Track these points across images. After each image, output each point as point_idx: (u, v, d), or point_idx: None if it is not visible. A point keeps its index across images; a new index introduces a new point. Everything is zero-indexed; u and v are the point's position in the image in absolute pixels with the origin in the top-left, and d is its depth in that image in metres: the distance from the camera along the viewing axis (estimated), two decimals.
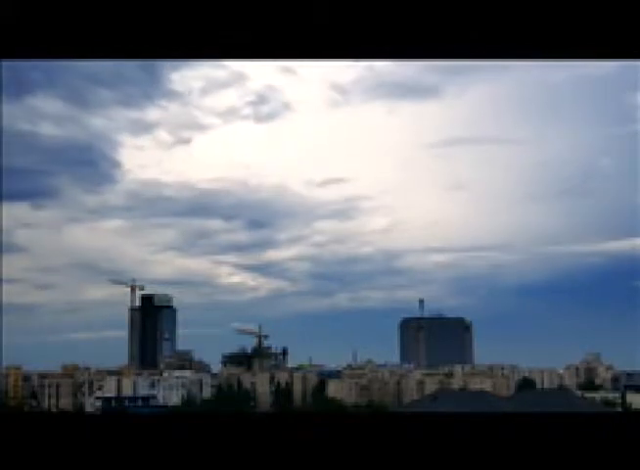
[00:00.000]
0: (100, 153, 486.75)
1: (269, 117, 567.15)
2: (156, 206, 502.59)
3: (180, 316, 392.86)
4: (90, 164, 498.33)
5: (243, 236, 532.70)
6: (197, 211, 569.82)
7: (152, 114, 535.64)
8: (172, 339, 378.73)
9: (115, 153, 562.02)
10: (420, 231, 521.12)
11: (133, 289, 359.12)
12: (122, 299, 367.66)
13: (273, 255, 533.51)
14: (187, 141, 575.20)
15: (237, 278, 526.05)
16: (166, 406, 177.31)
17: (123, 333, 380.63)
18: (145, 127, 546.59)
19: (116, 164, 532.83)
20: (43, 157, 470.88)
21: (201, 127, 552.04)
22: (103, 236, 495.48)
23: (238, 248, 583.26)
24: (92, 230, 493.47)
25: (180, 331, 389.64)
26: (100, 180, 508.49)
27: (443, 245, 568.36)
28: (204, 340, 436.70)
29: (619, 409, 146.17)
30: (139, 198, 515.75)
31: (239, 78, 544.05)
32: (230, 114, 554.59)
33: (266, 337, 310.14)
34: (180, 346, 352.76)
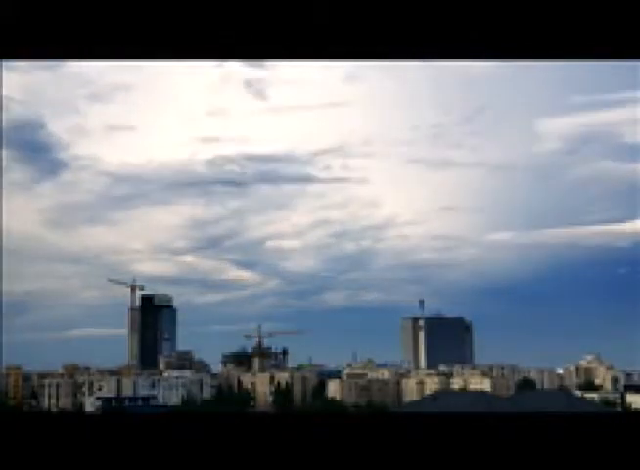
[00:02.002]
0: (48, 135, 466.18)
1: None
2: (132, 193, 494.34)
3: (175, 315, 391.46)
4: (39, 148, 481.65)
5: (234, 230, 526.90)
6: (173, 198, 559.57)
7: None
8: (172, 339, 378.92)
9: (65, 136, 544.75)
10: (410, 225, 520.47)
11: (133, 289, 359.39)
12: (123, 298, 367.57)
13: (270, 252, 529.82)
14: (131, 127, 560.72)
15: (232, 275, 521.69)
16: (166, 406, 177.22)
17: (124, 332, 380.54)
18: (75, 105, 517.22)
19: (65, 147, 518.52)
20: None
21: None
22: (80, 229, 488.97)
23: (230, 242, 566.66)
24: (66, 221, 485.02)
25: (179, 329, 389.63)
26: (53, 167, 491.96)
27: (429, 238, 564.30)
28: (201, 339, 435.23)
29: (619, 409, 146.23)
30: (110, 184, 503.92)
31: None
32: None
33: (271, 334, 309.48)
34: (180, 345, 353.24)
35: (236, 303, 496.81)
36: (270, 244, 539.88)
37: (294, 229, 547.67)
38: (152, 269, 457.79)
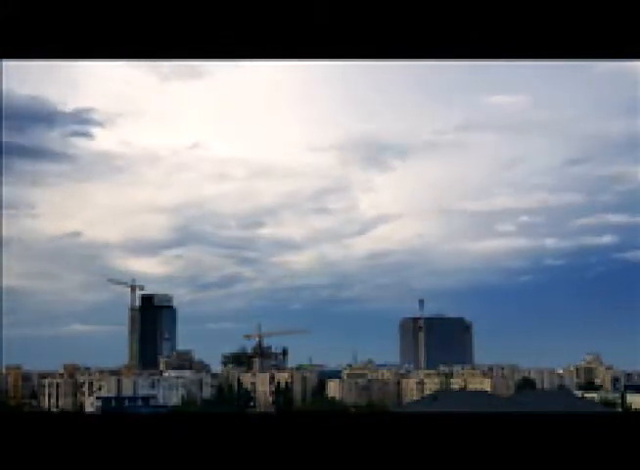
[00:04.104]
0: None
1: None
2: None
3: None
4: None
5: (233, 228, 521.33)
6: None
7: None
8: (172, 339, 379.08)
9: None
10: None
11: (133, 289, 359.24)
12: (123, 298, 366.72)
13: (269, 251, 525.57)
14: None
15: (230, 272, 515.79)
16: (166, 406, 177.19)
17: (124, 330, 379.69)
18: None
19: None
20: None
21: None
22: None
23: (229, 240, 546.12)
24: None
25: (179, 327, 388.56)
26: None
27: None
28: (201, 337, 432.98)
29: (619, 409, 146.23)
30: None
31: None
32: None
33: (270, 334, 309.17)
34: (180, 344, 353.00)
35: (233, 302, 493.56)
36: (262, 237, 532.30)
37: (290, 226, 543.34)
38: (142, 265, 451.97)
